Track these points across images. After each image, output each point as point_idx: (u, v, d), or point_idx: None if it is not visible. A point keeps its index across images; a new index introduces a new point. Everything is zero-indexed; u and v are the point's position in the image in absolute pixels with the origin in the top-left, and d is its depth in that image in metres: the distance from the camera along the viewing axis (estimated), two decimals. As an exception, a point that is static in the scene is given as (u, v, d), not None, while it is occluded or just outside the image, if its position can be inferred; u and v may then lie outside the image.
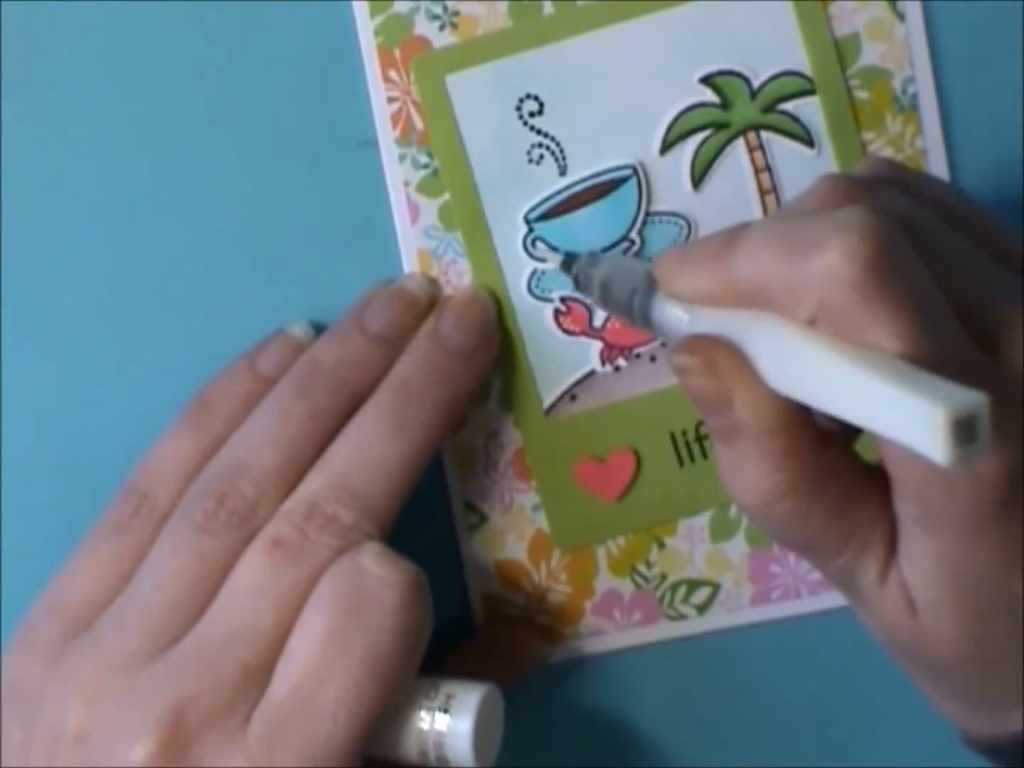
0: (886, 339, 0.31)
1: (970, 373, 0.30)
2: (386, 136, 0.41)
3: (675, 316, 0.36)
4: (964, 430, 0.28)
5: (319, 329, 0.41)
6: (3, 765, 0.35)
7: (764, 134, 0.41)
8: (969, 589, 0.33)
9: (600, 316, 0.42)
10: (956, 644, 0.34)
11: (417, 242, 0.41)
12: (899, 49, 0.41)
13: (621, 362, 0.42)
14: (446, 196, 0.41)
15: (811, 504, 0.34)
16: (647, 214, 0.41)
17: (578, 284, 0.40)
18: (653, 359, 0.42)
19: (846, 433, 0.35)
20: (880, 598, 0.35)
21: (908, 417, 0.28)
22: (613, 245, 0.41)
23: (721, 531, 0.43)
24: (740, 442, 0.34)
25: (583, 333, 0.42)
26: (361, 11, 0.40)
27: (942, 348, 0.31)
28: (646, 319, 0.37)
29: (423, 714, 0.36)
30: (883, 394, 0.29)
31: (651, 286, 0.37)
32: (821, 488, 0.34)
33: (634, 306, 0.37)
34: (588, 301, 0.41)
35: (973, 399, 0.28)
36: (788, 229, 0.33)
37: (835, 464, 0.34)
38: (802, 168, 0.41)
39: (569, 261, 0.40)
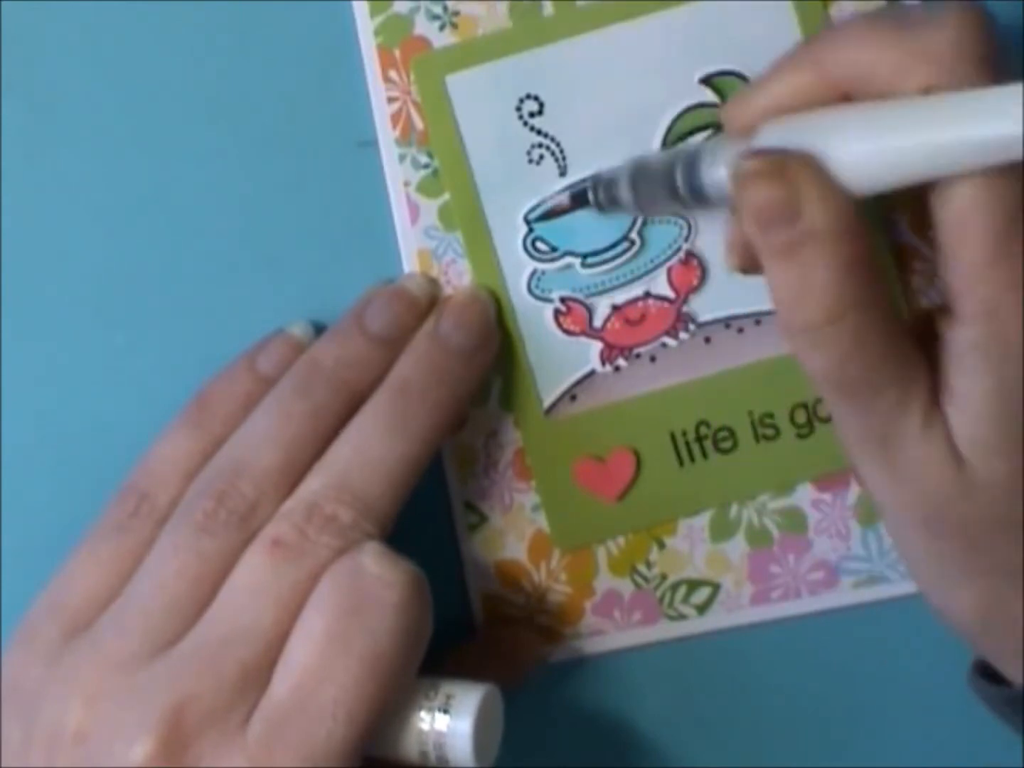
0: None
1: None
2: (386, 136, 0.41)
3: (733, 163, 0.35)
4: None
5: (319, 329, 0.41)
6: (3, 765, 0.35)
7: (764, 134, 0.41)
8: None
9: (600, 316, 0.42)
10: (1008, 493, 0.34)
11: (417, 242, 0.41)
12: (899, 49, 0.41)
13: (621, 362, 0.42)
14: (446, 196, 0.41)
15: (874, 323, 0.33)
16: (647, 214, 0.41)
17: (604, 206, 0.40)
18: (653, 359, 0.42)
19: None
20: (922, 451, 0.34)
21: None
22: (613, 245, 0.41)
23: (721, 531, 0.43)
24: (808, 252, 0.33)
25: (583, 333, 0.42)
26: (361, 11, 0.41)
27: None
28: (697, 191, 0.37)
29: (423, 714, 0.36)
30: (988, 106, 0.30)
31: (691, 160, 0.37)
32: (884, 307, 0.34)
33: (679, 184, 0.37)
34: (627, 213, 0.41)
35: None
36: (888, 15, 0.34)
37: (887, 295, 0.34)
38: (802, 168, 0.41)
39: (580, 195, 0.40)
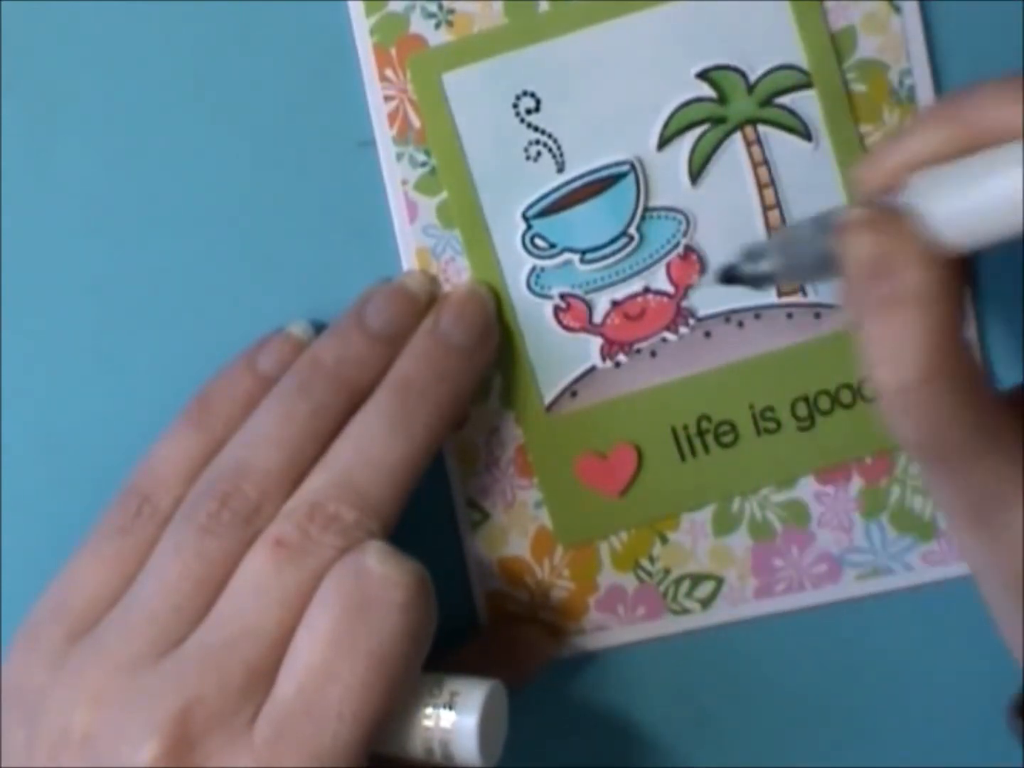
0: None
1: None
2: (383, 135, 0.41)
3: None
4: None
5: (319, 328, 0.41)
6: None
7: (761, 128, 0.41)
8: None
9: (600, 312, 0.42)
10: None
11: (416, 240, 0.41)
12: (895, 41, 0.41)
13: (621, 358, 0.42)
14: (444, 194, 0.41)
15: (971, 384, 0.33)
16: (645, 209, 0.41)
17: (756, 283, 0.39)
18: (653, 354, 0.42)
19: None
20: (1021, 518, 0.33)
21: None
22: (611, 241, 0.41)
23: (724, 525, 0.43)
24: (903, 310, 0.32)
25: (583, 329, 0.42)
26: (356, 10, 0.40)
27: None
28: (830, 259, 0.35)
29: (428, 711, 0.36)
30: None
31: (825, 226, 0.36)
32: (978, 372, 0.33)
33: (822, 255, 0.36)
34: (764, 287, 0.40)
35: None
36: None
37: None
38: (800, 162, 0.41)
39: (730, 274, 0.38)
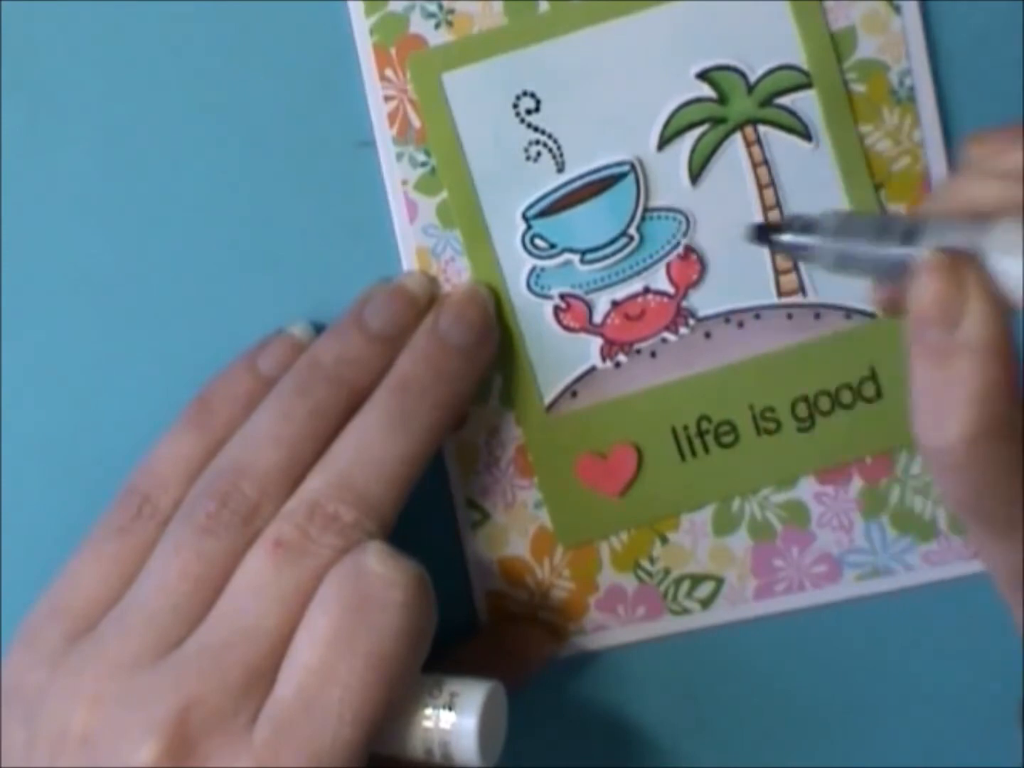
0: None
1: None
2: (383, 135, 0.41)
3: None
4: None
5: (319, 329, 0.41)
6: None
7: (761, 128, 0.41)
8: None
9: (600, 312, 0.42)
10: None
11: (416, 240, 0.41)
12: (895, 41, 0.41)
13: (621, 358, 0.42)
14: (444, 194, 0.41)
15: (1016, 453, 0.32)
16: (645, 210, 0.41)
17: (790, 250, 0.36)
18: (653, 354, 0.42)
19: None
20: None
21: None
22: (611, 241, 0.41)
23: (724, 525, 0.43)
24: (957, 363, 0.31)
25: (583, 329, 0.42)
26: (356, 10, 0.40)
27: None
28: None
29: (428, 712, 0.36)
30: None
31: (910, 231, 0.33)
32: None
33: (890, 253, 0.34)
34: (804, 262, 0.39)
35: None
36: None
37: None
38: (800, 162, 0.41)
39: (766, 233, 0.36)
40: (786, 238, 0.36)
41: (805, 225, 0.36)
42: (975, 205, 0.33)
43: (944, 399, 0.32)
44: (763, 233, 0.36)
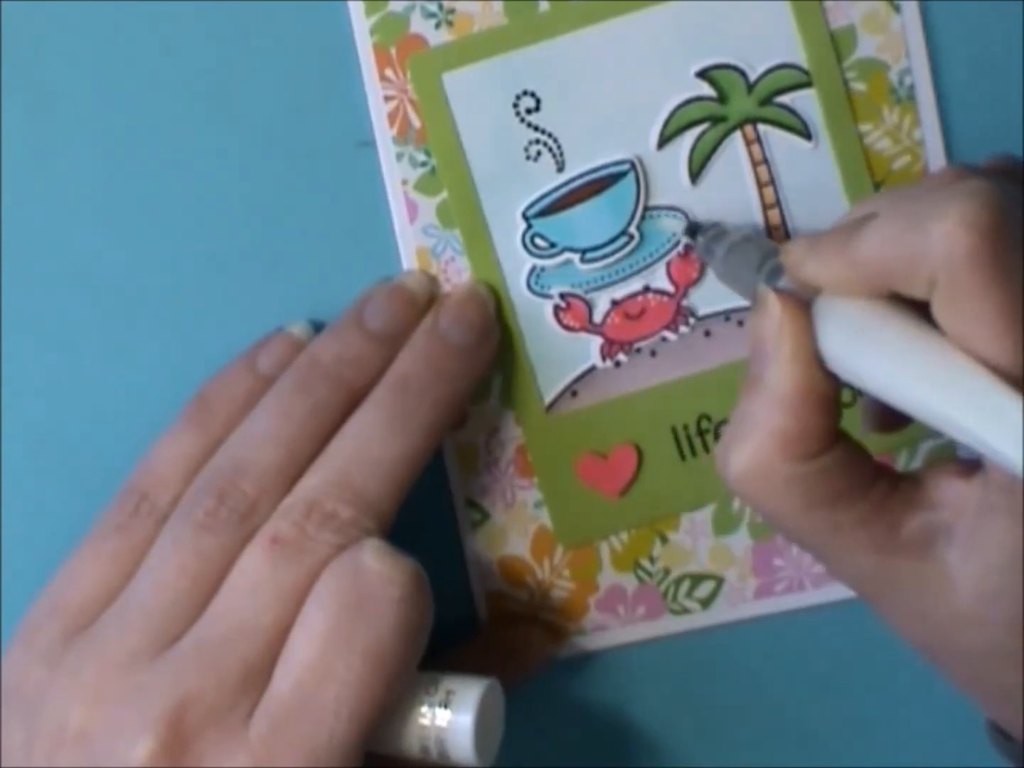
0: (994, 313, 0.30)
1: None
2: (383, 135, 0.41)
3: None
4: None
5: (319, 328, 0.41)
6: (4, 766, 0.35)
7: (761, 127, 0.41)
8: None
9: (600, 311, 0.42)
10: (1009, 627, 0.33)
11: (416, 240, 0.41)
12: (895, 40, 0.41)
13: (621, 357, 0.42)
14: (444, 194, 0.41)
15: (808, 487, 0.33)
16: (645, 208, 0.41)
17: (703, 251, 0.40)
18: (653, 354, 0.42)
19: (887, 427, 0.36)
20: (921, 586, 0.34)
21: (994, 415, 0.28)
22: (611, 240, 0.41)
23: (724, 524, 0.42)
24: (756, 398, 0.33)
25: (583, 329, 0.42)
26: (356, 10, 0.41)
27: None
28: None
29: (424, 709, 0.36)
30: (973, 387, 0.29)
31: (776, 270, 0.36)
32: (822, 475, 0.33)
33: (755, 285, 0.36)
34: (705, 264, 0.41)
35: None
36: (909, 204, 0.32)
37: (840, 461, 0.33)
38: (800, 161, 0.41)
39: (694, 228, 0.40)
40: (698, 242, 0.40)
41: (716, 235, 0.39)
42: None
43: (738, 425, 0.34)
44: (692, 232, 0.40)
